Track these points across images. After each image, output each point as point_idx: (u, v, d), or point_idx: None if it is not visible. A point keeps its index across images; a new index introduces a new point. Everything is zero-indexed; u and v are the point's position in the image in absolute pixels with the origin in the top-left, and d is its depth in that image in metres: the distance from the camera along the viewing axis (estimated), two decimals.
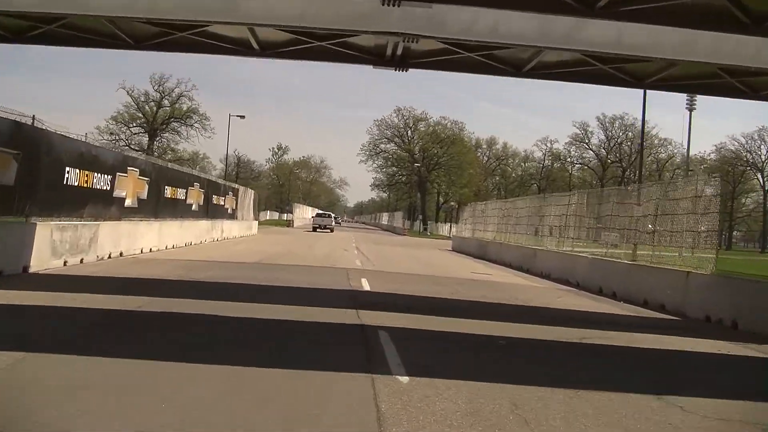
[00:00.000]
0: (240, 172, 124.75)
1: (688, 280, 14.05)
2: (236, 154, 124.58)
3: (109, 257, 17.05)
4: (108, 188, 17.82)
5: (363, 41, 12.78)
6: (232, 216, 36.08)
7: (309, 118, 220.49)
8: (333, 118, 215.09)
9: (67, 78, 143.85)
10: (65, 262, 14.61)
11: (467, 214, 41.33)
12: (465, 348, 8.29)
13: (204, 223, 28.61)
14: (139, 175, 20.30)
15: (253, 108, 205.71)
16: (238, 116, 46.54)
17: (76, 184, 15.77)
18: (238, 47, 13.48)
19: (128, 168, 19.40)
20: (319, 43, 12.55)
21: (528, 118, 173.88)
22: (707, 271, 13.95)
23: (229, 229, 34.01)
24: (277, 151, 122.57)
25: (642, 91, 33.16)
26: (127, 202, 19.45)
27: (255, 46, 13.15)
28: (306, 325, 8.89)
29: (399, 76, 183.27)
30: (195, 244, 25.89)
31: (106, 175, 17.55)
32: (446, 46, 12.36)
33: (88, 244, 16.03)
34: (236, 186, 39.03)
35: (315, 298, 11.92)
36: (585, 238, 22.88)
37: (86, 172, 16.28)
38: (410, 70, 13.64)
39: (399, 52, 12.70)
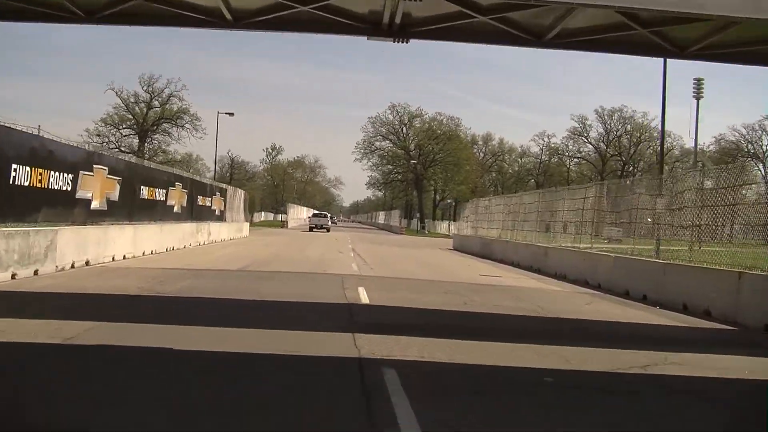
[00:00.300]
0: (234, 173, 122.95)
1: (741, 281, 11.91)
2: (230, 155, 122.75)
3: (72, 267, 14.79)
4: (69, 189, 15.61)
5: (355, 5, 10.59)
6: (221, 218, 33.87)
7: (305, 118, 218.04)
8: (329, 117, 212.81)
9: (63, 83, 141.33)
10: (13, 275, 12.37)
11: (468, 211, 39.21)
12: (502, 391, 6.07)
13: (188, 226, 26.38)
14: (109, 174, 18.07)
15: (248, 108, 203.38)
16: (226, 113, 44.38)
17: (26, 184, 13.57)
18: (208, 17, 11.28)
19: (94, 166, 17.16)
20: (302, 8, 10.34)
21: (526, 115, 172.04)
22: (766, 271, 11.82)
23: (216, 231, 31.81)
24: (271, 151, 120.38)
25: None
26: (94, 204, 17.23)
27: (227, 15, 10.97)
28: (285, 365, 6.65)
29: (396, 73, 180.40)
30: (177, 249, 23.65)
31: (66, 174, 15.34)
32: (454, 6, 10.18)
33: (44, 252, 13.76)
34: (224, 186, 36.82)
35: (301, 319, 9.67)
36: (593, 234, 20.70)
37: (40, 171, 14.07)
38: (411, 41, 11.43)
39: (398, 18, 10.52)
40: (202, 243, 28.37)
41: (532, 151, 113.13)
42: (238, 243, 31.87)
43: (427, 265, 23.73)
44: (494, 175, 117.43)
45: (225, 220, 34.97)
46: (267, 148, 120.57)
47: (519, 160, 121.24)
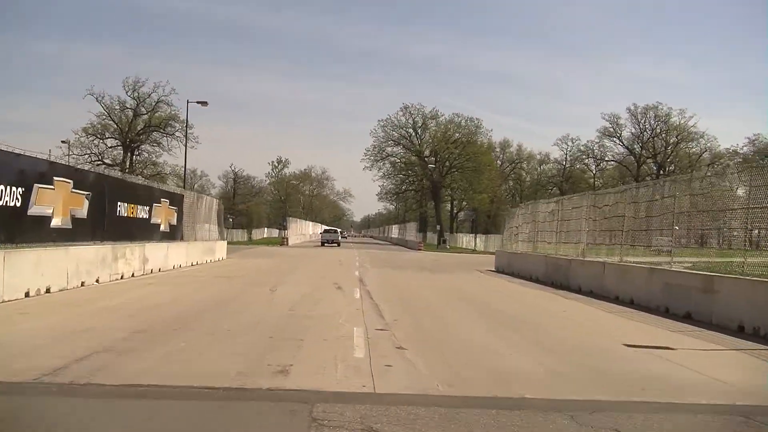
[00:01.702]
0: (238, 188, 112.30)
1: None
2: (233, 168, 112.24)
3: None
4: None
5: None
6: (170, 235, 22.86)
7: (312, 131, 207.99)
8: (336, 131, 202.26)
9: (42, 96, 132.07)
10: None
11: (521, 220, 27.94)
12: None
13: (86, 252, 15.44)
14: None
15: (253, 122, 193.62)
16: (198, 102, 33.70)
17: None
18: None
19: None
20: None
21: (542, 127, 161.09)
22: None
23: (159, 256, 20.81)
24: (276, 164, 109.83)
25: None
26: None
27: None
28: None
29: (400, 89, 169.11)
30: (57, 291, 12.74)
31: None
32: None
33: None
34: (177, 191, 25.76)
35: None
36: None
37: None
38: None
39: None
40: (121, 277, 17.41)
41: (553, 157, 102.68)
42: (186, 275, 20.72)
43: (499, 315, 12.48)
44: (511, 183, 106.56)
45: (179, 239, 23.98)
46: (272, 161, 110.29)
47: (538, 167, 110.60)
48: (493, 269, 29.80)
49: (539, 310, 14.13)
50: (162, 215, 22.00)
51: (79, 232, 15.52)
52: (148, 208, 20.71)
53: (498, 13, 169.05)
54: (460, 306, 13.76)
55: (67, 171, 15.02)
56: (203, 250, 26.87)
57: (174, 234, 23.39)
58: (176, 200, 23.85)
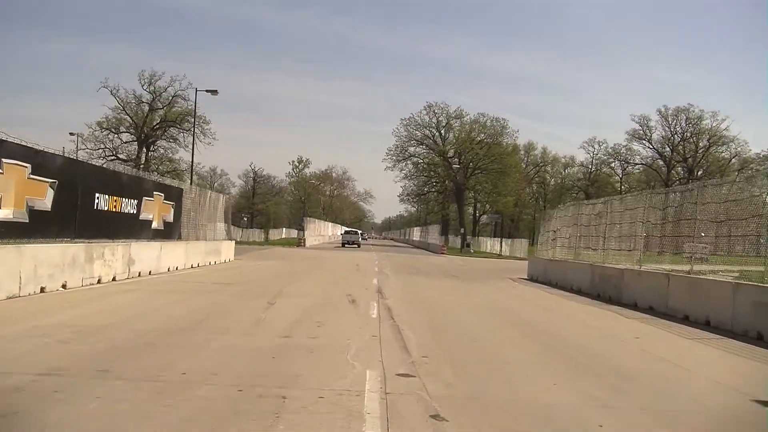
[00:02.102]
0: (257, 187, 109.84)
1: None
2: (252, 167, 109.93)
3: None
4: None
5: None
6: (165, 233, 20.09)
7: (333, 133, 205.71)
8: (358, 131, 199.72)
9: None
10: None
11: (558, 223, 24.73)
12: None
13: (46, 252, 12.63)
14: None
15: (273, 122, 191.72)
16: (207, 91, 31.00)
17: None
18: None
19: None
20: None
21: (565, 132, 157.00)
22: None
23: (149, 257, 18.00)
24: (297, 164, 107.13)
25: None
26: None
27: None
28: None
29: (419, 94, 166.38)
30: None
31: None
32: None
33: None
34: (175, 184, 22.96)
35: None
36: None
37: None
38: None
39: None
40: (98, 281, 14.65)
41: (578, 159, 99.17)
42: (174, 280, 17.83)
43: (567, 353, 9.29)
44: (534, 187, 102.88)
45: (177, 238, 21.22)
46: (293, 161, 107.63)
47: (562, 171, 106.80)
48: (526, 277, 26.67)
49: (607, 336, 10.98)
50: (155, 211, 19.22)
51: (39, 227, 12.75)
52: (136, 202, 17.93)
53: (513, 14, 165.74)
54: (507, 331, 10.66)
55: (24, 152, 12.16)
56: (206, 251, 24.08)
57: (170, 232, 20.61)
58: (173, 194, 21.06)
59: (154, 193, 19.16)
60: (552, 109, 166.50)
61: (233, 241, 28.66)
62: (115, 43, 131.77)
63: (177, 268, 20.41)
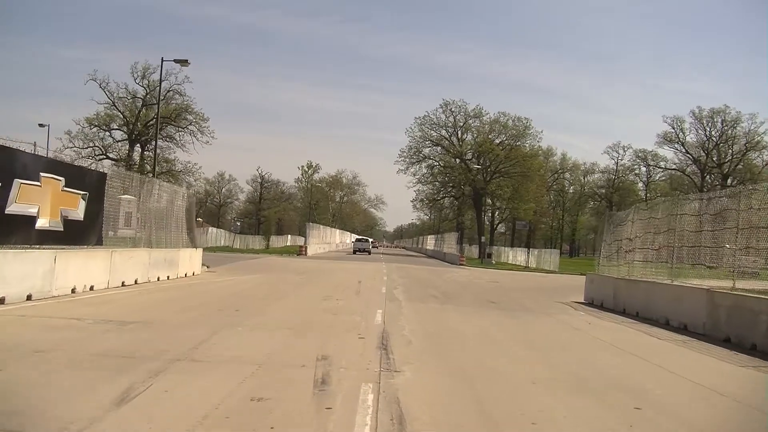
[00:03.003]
0: (264, 192, 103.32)
1: None
2: (260, 171, 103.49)
3: None
4: None
5: None
6: (71, 238, 13.25)
7: (344, 140, 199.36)
8: (367, 139, 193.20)
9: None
10: None
11: (636, 229, 17.55)
12: None
13: None
14: None
15: (284, 131, 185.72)
16: (175, 61, 24.33)
17: None
18: None
19: None
20: None
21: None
22: None
23: (36, 273, 11.15)
24: (306, 169, 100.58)
25: None
26: None
27: None
28: None
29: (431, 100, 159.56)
30: None
31: None
32: None
33: None
34: (90, 167, 15.99)
35: None
36: None
37: None
38: None
39: None
40: None
41: (600, 166, 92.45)
42: (39, 315, 11.07)
43: None
44: (552, 196, 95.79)
45: (93, 243, 14.35)
46: (302, 166, 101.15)
47: (582, 178, 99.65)
48: (583, 300, 19.67)
49: None
50: (44, 201, 12.34)
51: None
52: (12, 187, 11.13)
53: (524, 22, 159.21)
54: None
55: None
56: (152, 263, 17.20)
57: (80, 235, 13.75)
58: (87, 181, 14.17)
59: (43, 174, 12.27)
60: (566, 118, 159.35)
61: (199, 249, 21.71)
62: (119, 50, 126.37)
63: (92, 288, 13.58)
